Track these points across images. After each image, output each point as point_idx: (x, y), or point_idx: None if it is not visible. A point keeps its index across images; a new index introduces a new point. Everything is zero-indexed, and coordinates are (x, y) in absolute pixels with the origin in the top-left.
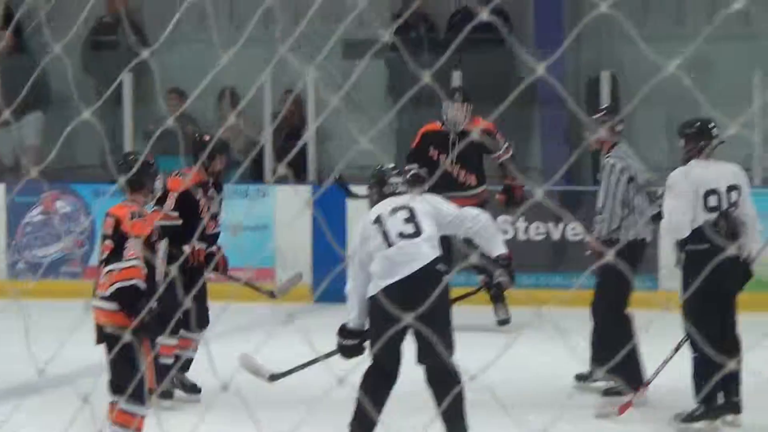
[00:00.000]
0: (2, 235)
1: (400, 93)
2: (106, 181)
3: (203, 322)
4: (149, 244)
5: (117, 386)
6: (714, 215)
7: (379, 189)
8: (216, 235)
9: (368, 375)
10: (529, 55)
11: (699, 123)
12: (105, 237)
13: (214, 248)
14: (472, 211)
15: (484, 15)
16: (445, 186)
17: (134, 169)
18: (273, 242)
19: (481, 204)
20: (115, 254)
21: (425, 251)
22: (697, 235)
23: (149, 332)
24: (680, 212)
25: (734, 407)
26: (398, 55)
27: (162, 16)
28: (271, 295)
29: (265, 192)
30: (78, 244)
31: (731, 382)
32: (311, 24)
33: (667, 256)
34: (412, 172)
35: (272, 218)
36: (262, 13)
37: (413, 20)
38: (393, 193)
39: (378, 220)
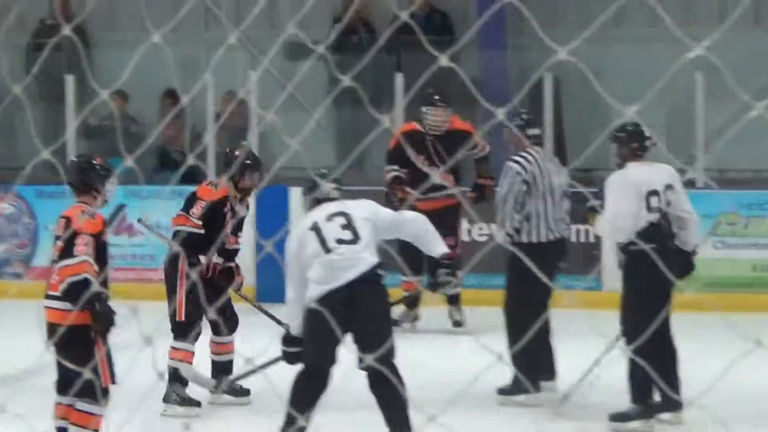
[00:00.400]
0: None
1: (340, 93)
2: (50, 183)
3: (234, 325)
4: (100, 243)
5: (66, 385)
6: (656, 215)
7: (312, 195)
8: (235, 251)
9: (301, 379)
10: (474, 55)
11: (630, 127)
12: (57, 238)
13: (232, 264)
14: (410, 214)
15: (404, 16)
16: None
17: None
18: None
19: (458, 204)
20: (66, 254)
21: (365, 257)
22: (641, 235)
23: (101, 328)
24: (623, 215)
25: (675, 405)
26: (340, 56)
27: (104, 17)
28: (279, 323)
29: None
30: (20, 245)
31: (673, 380)
32: (254, 26)
33: (609, 257)
34: (393, 174)
35: None
36: (204, 14)
37: (354, 24)
38: (326, 199)
39: (314, 227)
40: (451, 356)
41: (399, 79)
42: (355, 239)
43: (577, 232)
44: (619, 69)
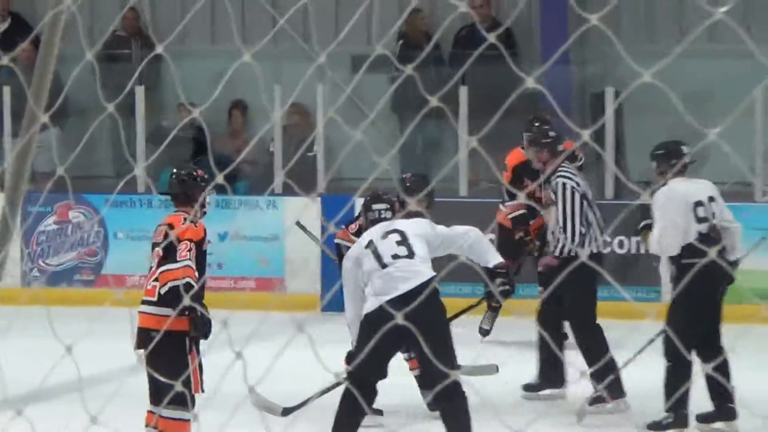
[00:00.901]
0: (16, 244)
1: (404, 107)
2: (120, 192)
3: None
4: (200, 252)
5: (157, 392)
6: (705, 225)
7: (367, 215)
8: None
9: (349, 393)
10: (535, 70)
11: (667, 144)
12: (154, 245)
13: None
14: (461, 228)
15: (492, 37)
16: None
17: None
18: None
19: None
20: (167, 260)
21: (422, 269)
22: (690, 249)
23: (198, 334)
24: (669, 233)
25: (729, 413)
26: (403, 73)
27: (173, 30)
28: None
29: (275, 203)
30: (90, 253)
31: (723, 390)
32: (320, 40)
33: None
34: (518, 214)
35: (282, 229)
36: (273, 28)
37: (417, 38)
38: (378, 219)
39: (370, 244)
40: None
41: (463, 91)
42: (411, 254)
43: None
44: (680, 83)
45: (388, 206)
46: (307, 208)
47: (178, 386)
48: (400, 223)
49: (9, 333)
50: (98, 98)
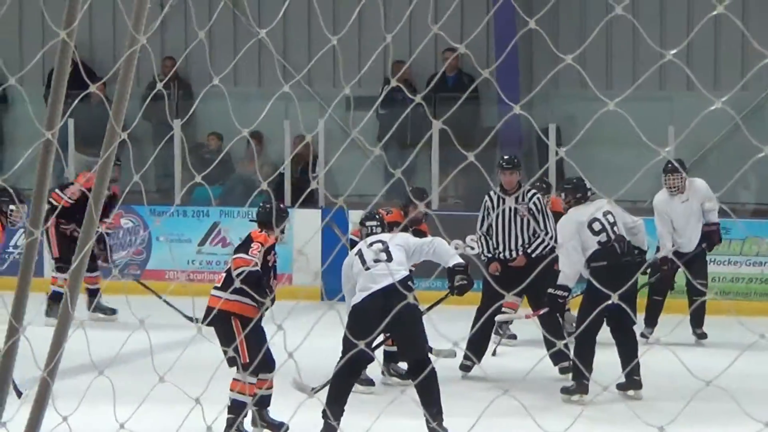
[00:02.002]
0: None
1: (387, 139)
2: (160, 203)
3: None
4: (268, 257)
5: (231, 359)
6: (603, 234)
7: (360, 229)
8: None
9: (343, 366)
10: (493, 108)
11: (574, 180)
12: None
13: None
14: (428, 238)
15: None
16: None
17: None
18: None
19: None
20: (241, 251)
21: (397, 270)
22: (594, 255)
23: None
24: (569, 256)
25: (636, 384)
26: (388, 110)
27: (205, 74)
28: (312, 391)
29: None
30: (137, 253)
31: (634, 366)
32: (322, 84)
33: None
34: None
35: (292, 235)
36: (282, 74)
37: (399, 83)
38: (369, 233)
39: (359, 252)
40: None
41: (436, 125)
42: (389, 259)
43: None
44: (608, 122)
45: (378, 223)
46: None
47: (231, 354)
48: (384, 236)
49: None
50: (145, 129)
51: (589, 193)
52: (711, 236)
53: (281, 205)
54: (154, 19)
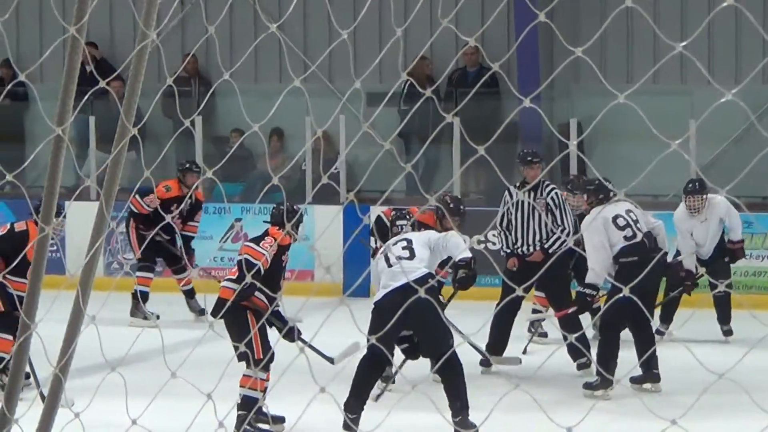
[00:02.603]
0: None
1: (408, 134)
2: None
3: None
4: (279, 254)
5: (242, 354)
6: (628, 230)
7: (391, 228)
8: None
9: (365, 360)
10: (514, 104)
11: (597, 181)
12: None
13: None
14: (448, 234)
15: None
16: None
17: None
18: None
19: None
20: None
21: (417, 268)
22: (623, 251)
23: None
24: (595, 255)
25: (654, 377)
26: (409, 106)
27: (225, 71)
28: (331, 361)
29: (306, 210)
30: None
31: (651, 359)
32: (343, 79)
33: None
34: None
35: (313, 231)
36: (303, 70)
37: (420, 79)
38: (399, 232)
39: (386, 249)
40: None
41: (456, 121)
42: (411, 257)
43: None
44: (630, 117)
45: (407, 221)
46: (331, 214)
47: (243, 350)
48: (411, 234)
49: (102, 310)
50: (166, 125)
51: (611, 194)
52: (735, 253)
53: (294, 206)
54: (174, 17)
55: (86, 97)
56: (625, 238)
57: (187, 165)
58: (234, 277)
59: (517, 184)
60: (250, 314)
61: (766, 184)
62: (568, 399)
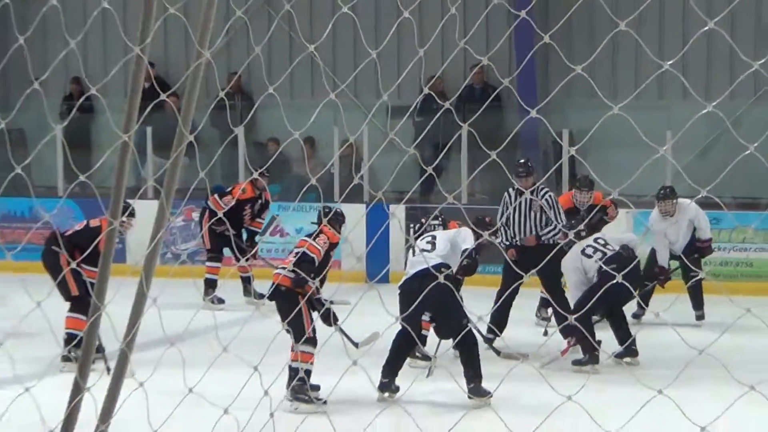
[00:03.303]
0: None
1: (422, 143)
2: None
3: None
4: (328, 252)
5: (297, 334)
6: (597, 255)
7: (426, 228)
8: None
9: (398, 336)
10: (515, 116)
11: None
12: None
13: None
14: (461, 228)
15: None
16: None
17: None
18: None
19: None
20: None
21: (433, 259)
22: (601, 267)
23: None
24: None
25: (633, 353)
26: (423, 118)
27: (265, 88)
28: (355, 345)
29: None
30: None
31: (627, 338)
32: (366, 94)
33: None
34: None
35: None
36: (332, 87)
37: (434, 94)
38: (430, 228)
39: (412, 243)
40: None
41: (464, 131)
42: (432, 249)
43: None
44: (614, 128)
45: (440, 222)
46: (356, 212)
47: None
48: (437, 232)
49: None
50: (213, 135)
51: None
52: (703, 251)
53: (339, 209)
54: (220, 40)
55: (147, 109)
56: (598, 260)
57: (260, 170)
58: (290, 267)
59: (514, 189)
60: (301, 299)
61: (733, 186)
62: (568, 372)
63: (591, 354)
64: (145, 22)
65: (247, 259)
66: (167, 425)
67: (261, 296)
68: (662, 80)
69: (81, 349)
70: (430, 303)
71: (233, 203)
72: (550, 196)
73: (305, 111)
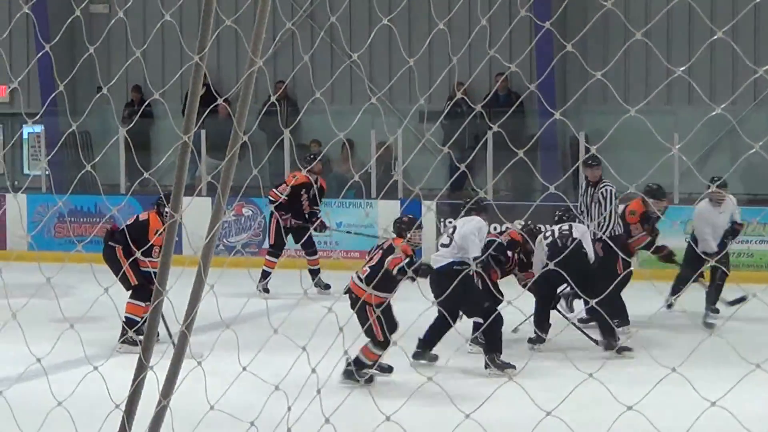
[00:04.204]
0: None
1: (451, 144)
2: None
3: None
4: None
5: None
6: (548, 240)
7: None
8: None
9: (435, 320)
10: (536, 120)
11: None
12: (378, 247)
13: None
14: (483, 226)
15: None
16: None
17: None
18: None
19: None
20: (386, 255)
21: (445, 255)
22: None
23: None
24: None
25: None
26: (449, 122)
27: (309, 95)
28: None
29: (372, 204)
30: (255, 235)
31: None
32: (400, 100)
33: None
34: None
35: (375, 219)
36: (370, 93)
37: (459, 100)
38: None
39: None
40: None
41: (490, 134)
42: (449, 244)
43: None
44: (627, 132)
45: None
46: (390, 207)
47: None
48: (459, 221)
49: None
50: (261, 138)
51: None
52: (736, 231)
53: (404, 218)
54: (267, 51)
55: (205, 114)
56: (546, 245)
57: (312, 156)
58: (364, 277)
59: (585, 180)
60: (370, 308)
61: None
62: (591, 352)
63: (538, 336)
64: (203, 33)
65: (314, 253)
66: (223, 401)
67: (327, 287)
68: (670, 86)
69: (145, 331)
70: (454, 297)
71: (288, 190)
72: (607, 189)
73: (344, 116)
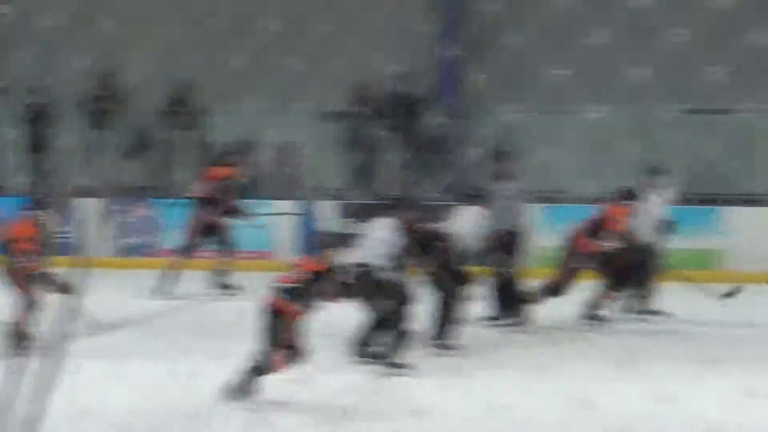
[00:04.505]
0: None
1: (354, 144)
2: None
3: None
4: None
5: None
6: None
7: None
8: None
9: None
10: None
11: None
12: None
13: None
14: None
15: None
16: None
17: None
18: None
19: None
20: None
21: (356, 256)
22: None
23: None
24: None
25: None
26: (354, 121)
27: (213, 96)
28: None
29: (274, 204)
30: (154, 236)
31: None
32: (298, 102)
33: None
34: None
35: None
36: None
37: (363, 101)
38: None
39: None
40: None
41: (399, 136)
42: (358, 245)
43: None
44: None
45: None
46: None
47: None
48: (368, 222)
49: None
50: (163, 139)
51: None
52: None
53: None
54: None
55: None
56: None
57: (240, 147)
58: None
59: None
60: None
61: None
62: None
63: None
64: None
65: (230, 253)
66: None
67: (234, 287)
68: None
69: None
70: (366, 300)
71: (216, 184)
72: (516, 187)
73: (247, 116)
